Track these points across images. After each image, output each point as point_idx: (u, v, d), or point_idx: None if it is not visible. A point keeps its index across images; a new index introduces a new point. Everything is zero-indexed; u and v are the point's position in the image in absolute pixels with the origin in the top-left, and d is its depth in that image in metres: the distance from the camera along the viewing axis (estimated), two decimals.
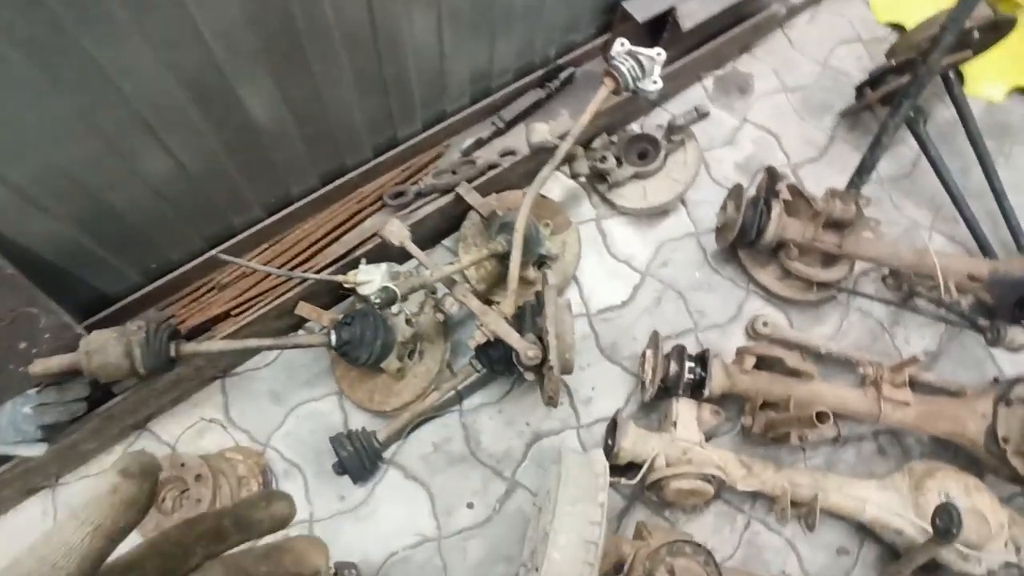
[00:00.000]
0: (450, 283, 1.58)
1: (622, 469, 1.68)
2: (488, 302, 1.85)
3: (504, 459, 1.73)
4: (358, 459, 1.57)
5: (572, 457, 1.41)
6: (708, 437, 1.68)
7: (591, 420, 1.79)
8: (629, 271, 1.98)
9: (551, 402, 1.51)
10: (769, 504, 1.72)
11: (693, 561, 1.34)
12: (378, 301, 1.29)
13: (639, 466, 1.65)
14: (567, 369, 1.56)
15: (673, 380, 1.67)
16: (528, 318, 1.58)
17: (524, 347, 1.46)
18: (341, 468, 1.58)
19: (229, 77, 1.33)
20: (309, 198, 1.76)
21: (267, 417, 1.73)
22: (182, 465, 1.56)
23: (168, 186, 1.46)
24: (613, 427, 1.68)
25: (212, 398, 1.75)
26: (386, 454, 1.71)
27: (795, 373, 1.68)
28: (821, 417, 1.45)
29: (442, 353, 1.69)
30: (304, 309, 1.68)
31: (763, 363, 1.71)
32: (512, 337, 1.48)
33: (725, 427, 1.79)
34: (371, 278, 1.61)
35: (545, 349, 1.46)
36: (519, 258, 1.60)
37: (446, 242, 1.98)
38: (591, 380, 1.83)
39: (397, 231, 1.61)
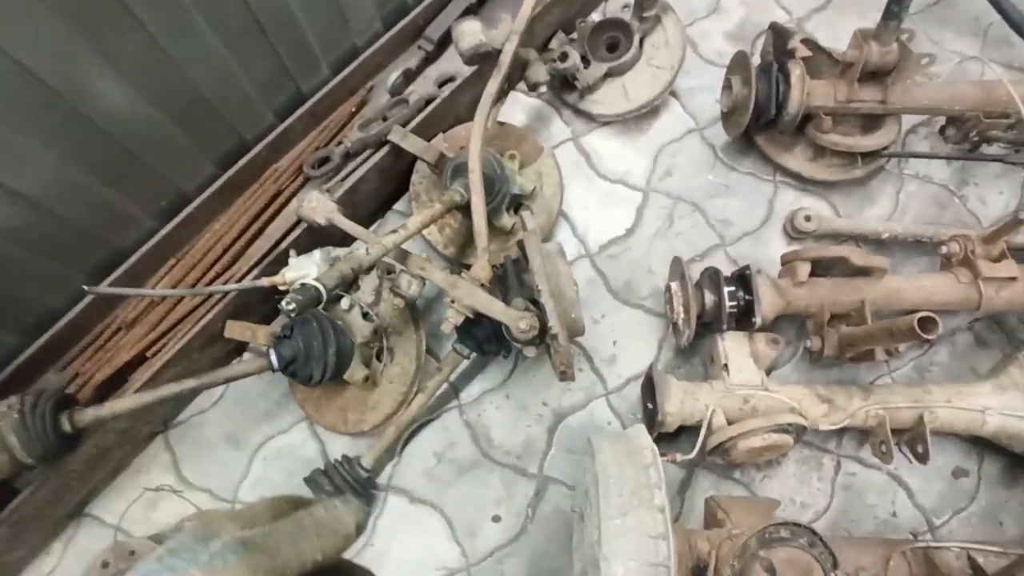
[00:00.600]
0: (401, 256, 1.21)
1: (671, 437, 1.35)
2: (463, 268, 1.48)
3: (525, 453, 1.39)
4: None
5: (607, 446, 1.06)
6: (768, 371, 1.34)
7: (620, 382, 1.44)
8: (627, 191, 1.60)
9: (565, 376, 1.16)
10: (860, 438, 1.39)
11: (794, 548, 1.01)
12: (292, 306, 0.93)
13: (693, 429, 1.31)
14: (576, 331, 1.20)
15: (712, 313, 1.31)
16: (512, 278, 1.22)
17: (513, 318, 1.10)
18: None
19: (38, 71, 0.95)
20: (209, 191, 1.38)
21: (228, 467, 1.40)
22: (131, 554, 1.24)
23: (15, 229, 1.11)
24: (650, 386, 1.34)
25: (156, 459, 1.42)
26: (380, 480, 1.38)
27: (862, 272, 1.32)
28: (927, 325, 1.09)
29: (416, 345, 1.34)
30: (233, 330, 1.32)
31: (819, 268, 1.34)
32: (494, 308, 1.12)
33: (785, 355, 1.45)
34: (304, 272, 1.25)
35: (541, 313, 1.10)
36: (483, 205, 1.23)
37: (398, 206, 1.60)
38: (610, 333, 1.47)
39: (319, 206, 1.23)
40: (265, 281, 1.25)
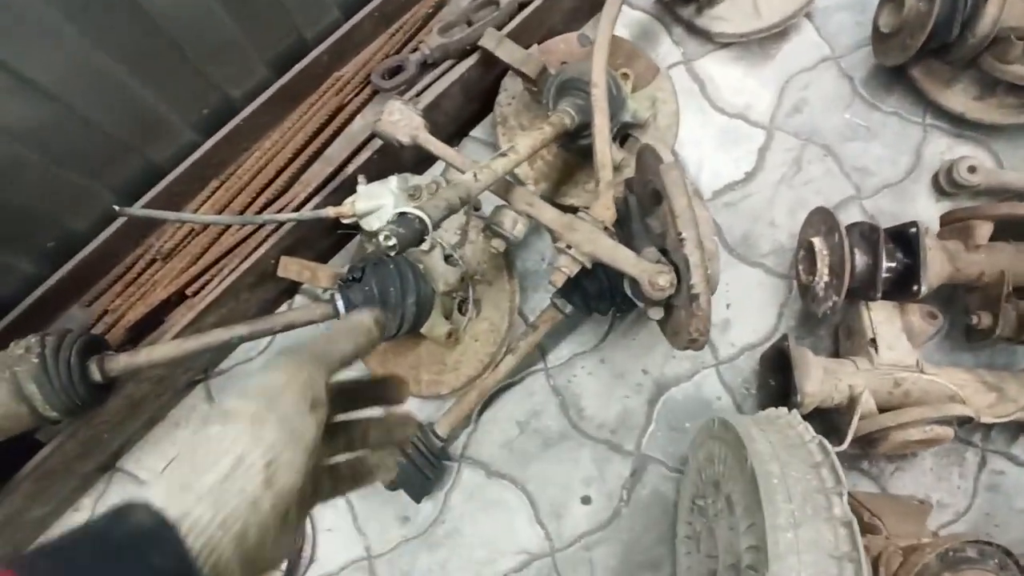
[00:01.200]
0: (504, 188, 0.98)
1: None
2: (555, 204, 1.26)
3: (621, 427, 1.21)
4: (414, 468, 1.07)
5: (757, 434, 0.86)
6: None
7: (733, 351, 1.24)
8: (748, 128, 1.35)
9: (695, 344, 0.95)
10: (1013, 431, 1.18)
11: (982, 571, 0.82)
12: (392, 242, 0.71)
13: (829, 413, 1.11)
14: (712, 289, 0.99)
15: (863, 277, 1.09)
16: (635, 222, 0.99)
17: (648, 272, 0.88)
18: (393, 483, 1.09)
19: None
20: (261, 99, 1.15)
21: None
22: None
23: (32, 130, 0.88)
24: (777, 359, 1.13)
25: (196, 410, 1.24)
26: (453, 450, 1.21)
27: None
28: None
29: (509, 298, 1.13)
30: (289, 269, 1.11)
31: (999, 230, 1.10)
32: (623, 258, 0.90)
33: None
34: (378, 203, 1.03)
35: (682, 267, 0.88)
36: (607, 128, 0.99)
37: (476, 133, 1.36)
38: (723, 295, 1.26)
39: (403, 120, 1.00)
40: (331, 211, 1.03)
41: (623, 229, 1.01)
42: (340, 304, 1.01)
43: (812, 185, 1.32)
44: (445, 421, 1.11)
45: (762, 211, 1.30)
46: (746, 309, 1.25)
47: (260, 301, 1.20)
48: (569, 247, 0.92)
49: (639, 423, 1.20)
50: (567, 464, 1.19)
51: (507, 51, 1.13)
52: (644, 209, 1.02)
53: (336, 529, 1.19)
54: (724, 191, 1.31)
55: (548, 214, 0.94)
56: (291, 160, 1.18)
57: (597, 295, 1.03)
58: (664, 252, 0.92)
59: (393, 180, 1.05)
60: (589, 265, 0.94)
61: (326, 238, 1.22)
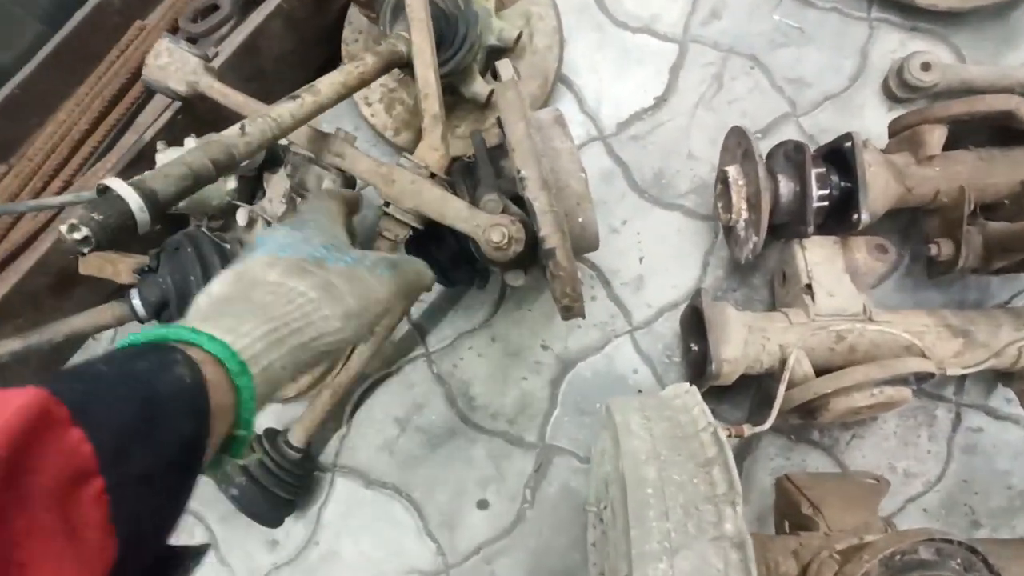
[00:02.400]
0: (317, 142, 0.77)
1: (721, 388, 0.95)
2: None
3: (520, 415, 1.01)
4: (259, 489, 0.88)
5: (637, 424, 0.66)
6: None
7: (650, 313, 1.03)
8: (656, 43, 1.12)
9: (572, 313, 0.76)
10: (990, 380, 0.98)
11: None
12: (81, 234, 0.50)
13: (758, 379, 0.91)
14: (587, 244, 0.79)
15: (790, 209, 0.88)
16: (484, 167, 0.78)
17: (481, 225, 0.68)
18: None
19: None
20: (37, 61, 0.93)
21: None
22: None
23: None
24: (695, 320, 0.93)
25: None
26: (324, 457, 1.02)
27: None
28: None
29: None
30: (90, 264, 0.91)
31: (952, 138, 0.88)
32: (450, 210, 0.70)
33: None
34: None
35: (528, 218, 0.68)
36: (430, 46, 0.77)
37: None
38: (634, 246, 1.05)
39: (175, 64, 0.78)
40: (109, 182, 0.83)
41: (472, 176, 0.80)
42: (136, 302, 0.82)
43: (737, 105, 1.09)
44: (299, 428, 0.92)
45: (677, 142, 1.08)
46: (663, 261, 1.04)
47: (80, 307, 1.00)
48: (387, 205, 0.72)
49: (541, 409, 1.01)
50: (458, 464, 1.00)
51: None
52: (501, 152, 0.81)
53: None
54: (631, 122, 1.09)
55: (361, 164, 0.73)
56: (89, 132, 0.97)
57: (451, 262, 0.82)
58: (518, 201, 0.72)
59: (190, 143, 0.84)
60: (419, 225, 0.73)
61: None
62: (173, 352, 0.32)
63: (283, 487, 0.90)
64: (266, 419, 1.02)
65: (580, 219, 0.76)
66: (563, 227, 0.67)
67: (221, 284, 0.44)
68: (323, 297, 0.42)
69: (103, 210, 0.53)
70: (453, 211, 0.70)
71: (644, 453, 0.62)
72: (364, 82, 0.79)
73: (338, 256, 0.47)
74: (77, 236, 0.52)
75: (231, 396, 0.35)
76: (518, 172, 0.67)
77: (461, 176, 0.79)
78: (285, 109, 0.70)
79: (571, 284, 0.71)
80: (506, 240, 0.66)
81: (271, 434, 0.93)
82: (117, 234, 0.54)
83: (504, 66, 0.73)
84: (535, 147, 0.66)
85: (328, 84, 0.75)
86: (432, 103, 0.74)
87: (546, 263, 0.69)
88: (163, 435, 0.29)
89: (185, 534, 1.02)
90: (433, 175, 0.72)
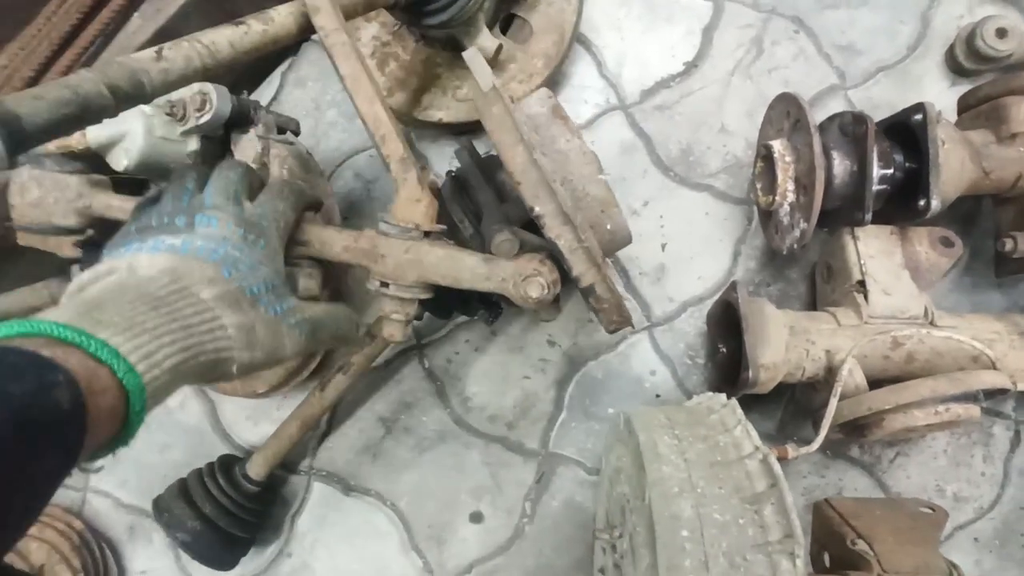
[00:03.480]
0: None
1: (751, 403, 0.83)
2: (415, 123, 0.93)
3: (522, 419, 0.90)
4: (213, 536, 0.77)
5: (665, 447, 0.54)
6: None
7: (672, 308, 0.91)
8: (685, 1, 0.98)
9: (618, 329, 0.63)
10: None
11: None
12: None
13: (805, 389, 0.79)
14: (619, 245, 0.67)
15: (844, 192, 0.75)
16: (480, 190, 0.65)
17: (510, 278, 0.57)
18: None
19: None
20: None
21: None
22: None
23: None
24: (726, 317, 0.81)
25: None
26: (300, 461, 0.91)
27: None
28: None
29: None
30: (28, 236, 0.79)
31: None
32: (470, 273, 0.58)
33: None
34: (121, 129, 0.70)
35: (555, 251, 0.56)
36: (367, 79, 0.60)
37: None
38: (656, 231, 0.92)
39: (44, 195, 0.59)
40: (49, 146, 0.70)
41: (466, 199, 0.66)
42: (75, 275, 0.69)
43: (778, 74, 0.96)
44: (260, 459, 0.80)
45: (709, 114, 0.95)
46: (689, 249, 0.92)
47: (18, 282, 0.88)
48: (386, 284, 0.58)
49: (545, 412, 0.89)
50: (450, 472, 0.89)
51: None
52: (494, 160, 0.68)
53: (152, 572, 0.91)
54: (656, 90, 0.96)
55: (336, 245, 0.56)
56: (34, 79, 0.83)
57: (460, 301, 0.69)
58: (529, 226, 0.59)
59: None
60: (428, 295, 0.60)
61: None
62: (50, 371, 0.29)
63: (240, 526, 0.79)
64: (242, 410, 0.91)
65: (608, 226, 0.64)
66: (597, 258, 0.55)
67: (150, 268, 0.40)
68: (239, 339, 0.40)
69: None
70: (469, 272, 0.56)
71: (677, 484, 0.50)
72: (346, 18, 0.66)
73: (272, 302, 0.44)
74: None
75: (120, 403, 0.33)
76: (532, 209, 0.54)
77: (456, 201, 0.66)
78: (222, 36, 0.56)
79: (617, 312, 0.59)
80: (546, 290, 0.54)
81: (226, 463, 0.81)
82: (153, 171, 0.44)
83: (477, 64, 0.57)
84: (543, 174, 0.53)
85: (286, 14, 0.61)
86: (393, 145, 0.58)
87: (587, 299, 0.58)
88: (24, 465, 0.28)
89: (143, 540, 0.91)
90: (427, 232, 0.58)
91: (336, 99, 0.99)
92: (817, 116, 0.92)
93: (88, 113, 0.45)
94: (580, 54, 0.97)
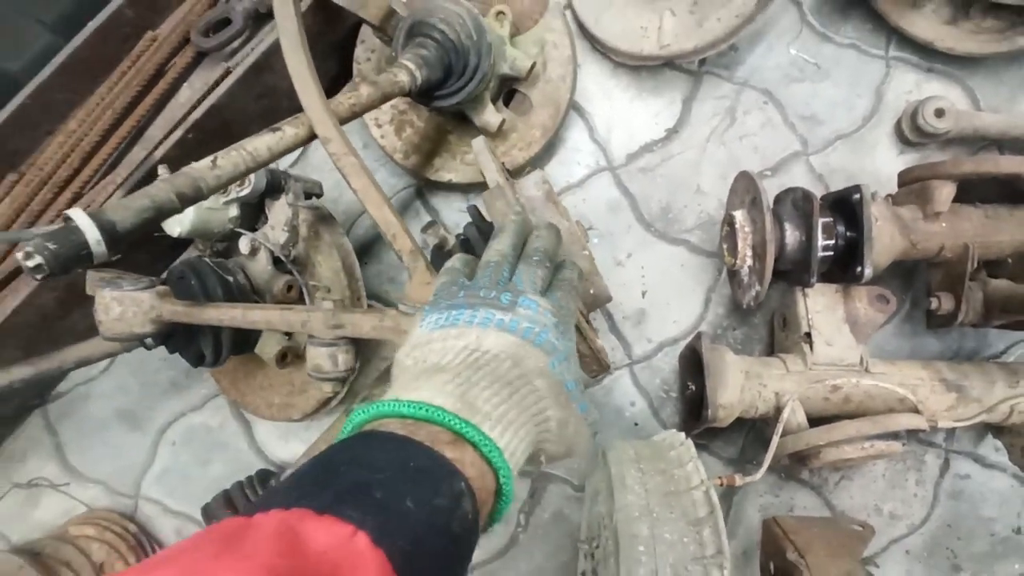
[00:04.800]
0: (298, 322, 0.73)
1: (710, 432, 0.97)
2: (427, 182, 1.06)
3: None
4: None
5: (632, 479, 0.68)
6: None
7: (650, 348, 1.04)
8: (669, 74, 1.11)
9: (596, 375, 0.77)
10: (981, 430, 1.00)
11: None
12: (34, 262, 0.51)
13: (752, 420, 0.93)
14: (600, 303, 0.79)
15: (795, 258, 0.88)
16: (477, 242, 0.78)
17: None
18: None
19: None
20: (48, 71, 0.93)
21: (126, 453, 1.07)
22: None
23: None
24: (693, 359, 0.94)
25: (36, 441, 1.08)
26: None
27: None
28: None
29: (355, 307, 0.93)
30: (95, 285, 0.92)
31: (961, 192, 0.88)
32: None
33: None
34: None
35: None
36: (375, 189, 0.71)
37: None
38: (637, 280, 1.06)
39: (130, 309, 0.73)
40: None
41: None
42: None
43: (749, 140, 1.09)
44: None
45: (687, 176, 1.08)
46: (666, 296, 1.05)
47: (84, 320, 1.01)
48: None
49: None
50: None
51: None
52: (479, 232, 0.81)
53: None
54: (640, 154, 1.09)
55: (365, 326, 0.69)
56: (99, 143, 0.97)
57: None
58: None
59: (163, 173, 0.84)
60: None
61: (151, 243, 1.02)
62: (457, 479, 0.31)
63: None
64: (275, 432, 1.04)
65: (591, 290, 0.77)
66: (580, 322, 0.68)
67: (495, 346, 0.41)
68: (557, 433, 0.41)
69: (59, 240, 0.54)
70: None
71: (637, 509, 0.64)
72: (357, 114, 0.79)
73: (579, 399, 0.44)
74: (30, 264, 0.53)
75: (492, 482, 0.35)
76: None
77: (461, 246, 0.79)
78: (262, 142, 0.70)
79: (595, 363, 0.72)
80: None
81: (264, 476, 0.95)
82: (72, 263, 0.55)
83: (484, 160, 0.71)
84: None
85: (316, 111, 0.74)
86: (402, 241, 0.70)
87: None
88: (449, 568, 0.31)
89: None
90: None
91: None
92: (781, 180, 1.07)
93: (161, 215, 0.59)
94: (574, 120, 1.10)
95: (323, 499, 0.27)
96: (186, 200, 0.61)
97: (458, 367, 0.39)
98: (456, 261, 0.53)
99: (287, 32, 0.72)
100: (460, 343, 0.40)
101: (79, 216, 0.52)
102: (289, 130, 0.70)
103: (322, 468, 0.31)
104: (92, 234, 0.53)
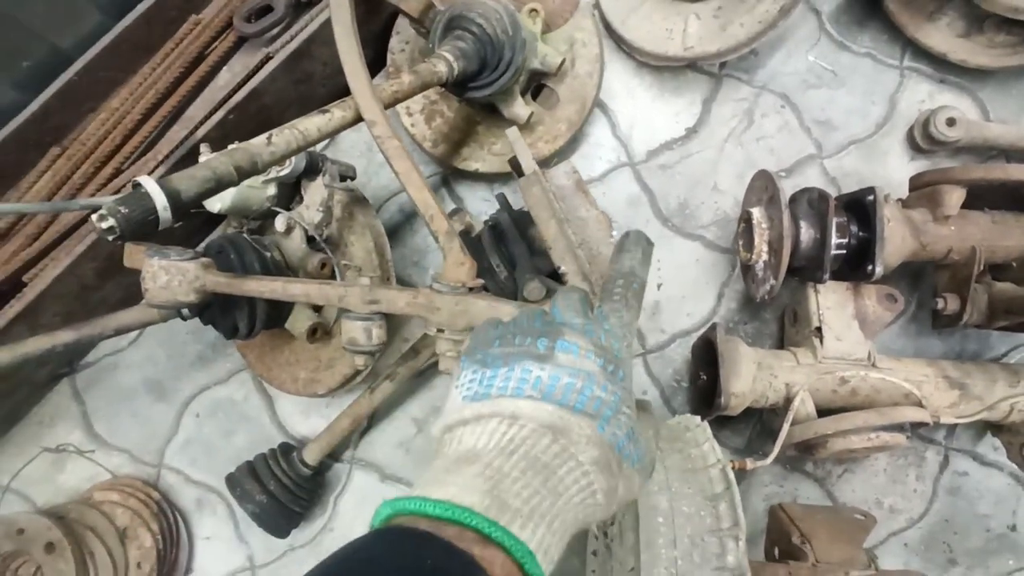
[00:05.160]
0: (348, 298, 0.76)
1: (719, 422, 1.00)
2: (453, 171, 1.09)
3: None
4: (277, 505, 0.94)
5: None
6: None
7: (663, 338, 1.08)
8: (691, 74, 1.15)
9: None
10: (980, 428, 1.03)
11: None
12: (107, 224, 0.55)
13: (760, 410, 0.96)
14: None
15: (809, 255, 0.92)
16: (514, 242, 0.82)
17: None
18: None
19: None
20: (96, 49, 0.97)
21: (150, 423, 1.10)
22: (19, 532, 0.96)
23: None
24: (706, 350, 0.98)
25: (62, 408, 1.12)
26: (345, 450, 1.07)
27: None
28: None
29: (381, 267, 0.95)
30: (134, 258, 0.95)
31: (971, 198, 0.92)
32: (504, 316, 0.74)
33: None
34: None
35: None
36: (416, 172, 0.73)
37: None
38: (654, 273, 1.09)
39: (176, 278, 0.75)
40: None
41: (503, 248, 0.83)
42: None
43: (765, 142, 1.13)
44: (315, 448, 0.97)
45: (704, 174, 1.12)
46: (680, 289, 1.09)
47: (126, 293, 1.04)
48: (441, 330, 0.74)
49: None
50: None
51: None
52: (525, 217, 0.84)
53: (215, 537, 1.07)
54: (660, 151, 1.13)
55: (399, 302, 0.71)
56: (141, 122, 1.00)
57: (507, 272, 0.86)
58: (556, 275, 0.75)
59: (205, 153, 0.87)
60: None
61: (188, 218, 1.05)
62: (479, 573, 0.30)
63: (297, 502, 0.96)
64: (298, 406, 1.08)
65: None
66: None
67: (532, 419, 0.38)
68: (605, 502, 0.38)
69: (130, 204, 0.58)
70: (507, 317, 0.73)
71: (657, 484, 0.67)
72: (398, 100, 0.82)
73: (631, 452, 0.40)
74: (104, 225, 0.57)
75: None
76: (559, 268, 0.71)
77: (494, 250, 0.82)
78: (312, 123, 0.73)
79: None
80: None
81: (286, 449, 0.98)
82: (140, 227, 0.59)
83: (526, 157, 0.74)
84: (569, 242, 0.70)
85: (364, 99, 0.77)
86: (440, 222, 0.73)
87: None
88: None
89: (209, 511, 1.08)
90: (471, 288, 0.72)
91: None
92: (795, 182, 1.10)
93: (221, 186, 0.63)
94: (597, 116, 1.14)
95: None
96: (243, 173, 0.65)
97: (491, 453, 0.36)
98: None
99: (341, 20, 0.75)
100: (494, 421, 0.38)
101: (148, 183, 0.56)
102: (338, 112, 0.73)
103: (338, 571, 0.31)
104: (160, 200, 0.57)
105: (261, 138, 0.67)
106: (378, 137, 0.74)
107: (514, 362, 0.40)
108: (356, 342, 0.76)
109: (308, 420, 1.09)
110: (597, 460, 0.37)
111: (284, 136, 0.68)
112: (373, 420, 1.08)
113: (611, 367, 0.41)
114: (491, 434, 0.37)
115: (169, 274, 0.76)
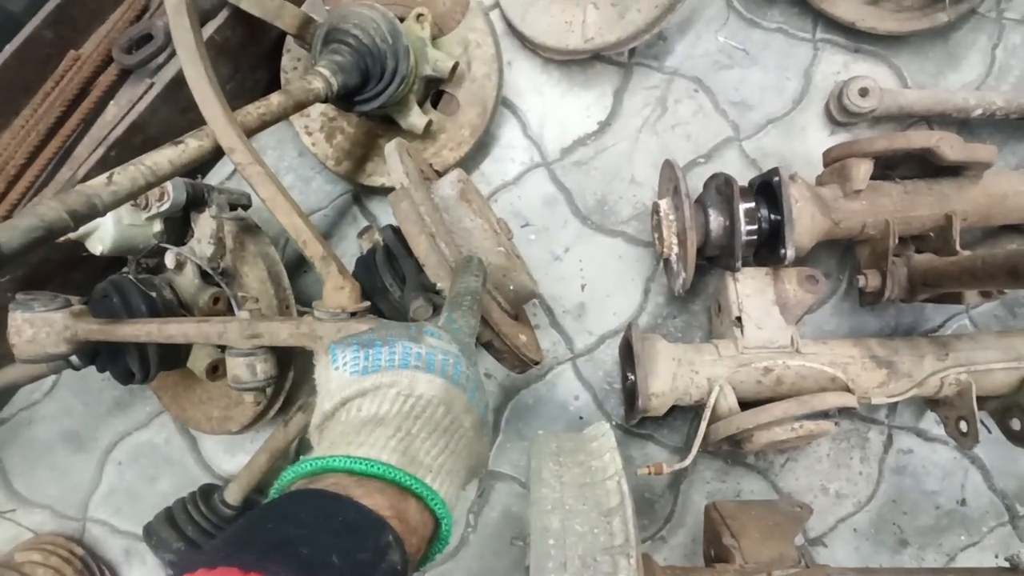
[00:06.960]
0: (214, 333, 0.72)
1: (655, 421, 0.97)
2: (361, 187, 1.06)
3: None
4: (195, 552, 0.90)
5: (548, 472, 0.68)
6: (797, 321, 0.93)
7: (592, 341, 1.05)
8: (599, 66, 1.12)
9: (523, 371, 0.78)
10: (921, 404, 1.00)
11: None
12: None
13: (691, 409, 0.93)
14: (524, 299, 0.80)
15: (720, 243, 0.89)
16: (405, 264, 0.78)
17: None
18: None
19: None
20: None
21: (72, 475, 1.06)
22: None
23: None
24: (628, 350, 0.94)
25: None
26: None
27: (950, 171, 0.87)
28: None
29: (278, 296, 0.92)
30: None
31: (881, 169, 0.89)
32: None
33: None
34: (94, 222, 0.82)
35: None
36: (283, 197, 0.70)
37: None
38: (576, 274, 1.06)
39: (43, 330, 0.73)
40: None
41: (395, 267, 0.79)
42: (73, 357, 0.82)
43: (681, 129, 1.09)
44: (235, 488, 0.93)
45: (621, 168, 1.08)
46: (605, 288, 1.05)
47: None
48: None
49: None
50: None
51: (254, 1, 0.90)
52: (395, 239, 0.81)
53: None
54: (573, 148, 1.09)
55: (282, 334, 0.69)
56: (25, 166, 0.96)
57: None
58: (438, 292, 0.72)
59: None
60: None
61: (78, 267, 1.00)
62: (385, 532, 0.33)
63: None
64: (220, 445, 1.04)
65: (511, 287, 0.77)
66: (490, 319, 0.69)
67: (427, 390, 0.42)
68: (482, 464, 0.47)
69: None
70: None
71: (551, 503, 0.64)
72: (268, 123, 0.79)
73: (488, 425, 0.47)
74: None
75: (431, 528, 0.38)
76: (435, 285, 0.68)
77: (386, 269, 0.79)
78: (163, 156, 0.69)
79: (514, 359, 0.73)
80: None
81: (207, 491, 0.94)
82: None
83: (392, 162, 0.71)
84: (443, 257, 0.67)
85: (221, 128, 0.73)
86: (314, 247, 0.70)
87: (489, 351, 0.71)
88: None
89: (138, 561, 1.04)
90: (353, 313, 0.69)
91: (292, 164, 1.12)
92: (714, 167, 1.07)
93: (52, 235, 0.58)
94: (507, 117, 1.10)
95: (250, 556, 0.29)
96: (80, 218, 0.61)
97: (396, 418, 0.40)
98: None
99: (184, 44, 0.72)
100: (393, 391, 0.41)
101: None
102: (192, 142, 0.70)
103: (251, 526, 0.32)
104: None
105: (101, 178, 0.63)
106: (239, 164, 0.71)
107: (393, 341, 0.44)
108: (239, 379, 0.72)
109: (234, 458, 1.05)
110: (474, 425, 0.44)
111: (128, 173, 0.64)
112: (299, 451, 1.04)
113: (467, 351, 0.47)
114: (392, 401, 0.41)
115: (35, 327, 0.73)
